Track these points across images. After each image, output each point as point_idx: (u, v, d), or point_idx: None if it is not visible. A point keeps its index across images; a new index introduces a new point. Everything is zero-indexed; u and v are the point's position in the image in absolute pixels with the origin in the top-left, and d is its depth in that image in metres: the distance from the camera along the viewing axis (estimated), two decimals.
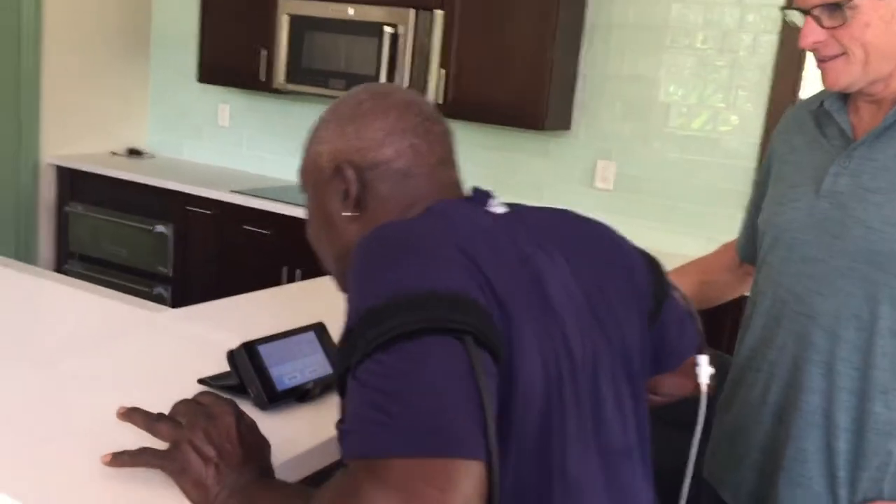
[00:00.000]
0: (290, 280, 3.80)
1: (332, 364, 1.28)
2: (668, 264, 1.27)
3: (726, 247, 1.74)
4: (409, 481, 0.74)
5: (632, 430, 1.03)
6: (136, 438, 1.01)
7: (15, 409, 1.18)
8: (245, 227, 3.94)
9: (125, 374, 1.34)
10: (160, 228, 4.20)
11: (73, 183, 4.48)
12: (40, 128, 4.45)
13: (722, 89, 3.50)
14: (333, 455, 1.17)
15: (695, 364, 1.24)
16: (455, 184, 1.09)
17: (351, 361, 0.83)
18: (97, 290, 1.82)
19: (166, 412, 1.01)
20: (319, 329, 1.29)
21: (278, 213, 3.83)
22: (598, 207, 3.71)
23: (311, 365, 1.24)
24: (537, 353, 0.89)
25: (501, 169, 3.91)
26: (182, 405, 1.01)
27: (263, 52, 4.08)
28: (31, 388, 1.25)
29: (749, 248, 1.58)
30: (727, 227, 3.54)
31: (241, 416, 0.99)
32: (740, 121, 3.48)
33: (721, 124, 3.52)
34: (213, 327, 1.59)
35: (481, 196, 1.06)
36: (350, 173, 1.03)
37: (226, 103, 4.69)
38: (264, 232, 3.89)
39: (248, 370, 1.16)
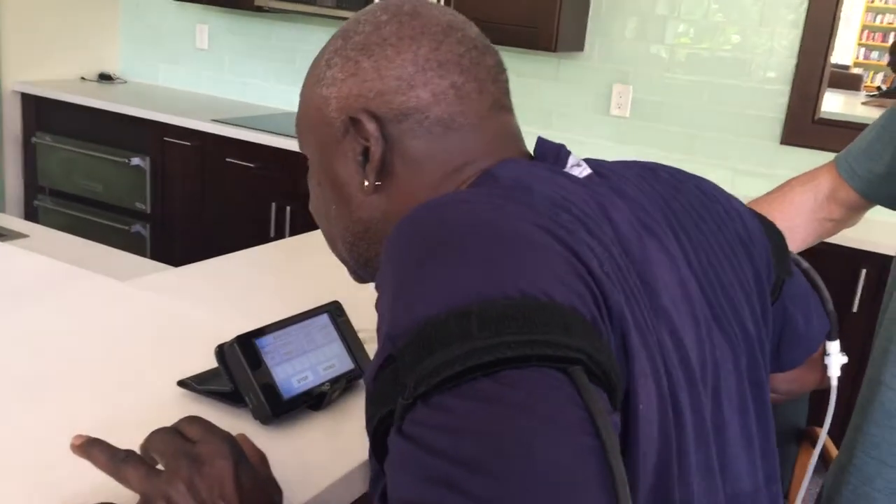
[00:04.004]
0: (280, 218, 3.52)
1: (354, 356, 0.99)
2: None
3: (795, 183, 1.39)
4: None
5: (759, 464, 0.77)
6: (95, 478, 0.73)
7: None
8: (228, 159, 3.62)
9: (72, 369, 1.04)
10: (136, 161, 3.88)
11: (40, 111, 4.13)
12: (1, 51, 4.07)
13: (753, 4, 3.17)
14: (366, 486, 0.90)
15: (823, 353, 0.97)
16: (515, 135, 0.81)
17: (392, 407, 0.56)
18: (43, 243, 1.53)
19: (135, 432, 0.73)
20: (334, 310, 1.00)
21: (264, 145, 3.51)
22: (612, 137, 3.42)
23: (325, 359, 0.96)
24: (651, 379, 0.63)
25: None
26: (160, 439, 0.72)
27: None
28: None
29: (882, 186, 1.25)
30: (756, 158, 3.28)
31: (240, 458, 0.71)
32: (773, 40, 3.16)
33: (751, 44, 3.20)
34: (196, 302, 1.29)
35: (554, 153, 0.77)
36: (371, 127, 0.75)
37: (204, 23, 4.31)
38: (249, 165, 3.58)
39: (243, 373, 0.88)
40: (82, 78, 4.40)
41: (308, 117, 0.82)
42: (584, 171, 0.76)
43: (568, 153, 0.77)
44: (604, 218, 0.69)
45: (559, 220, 0.63)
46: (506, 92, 0.81)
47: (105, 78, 4.43)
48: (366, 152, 0.76)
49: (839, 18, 3.04)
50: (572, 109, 3.49)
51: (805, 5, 3.08)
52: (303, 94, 0.83)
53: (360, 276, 0.86)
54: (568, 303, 0.57)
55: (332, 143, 0.79)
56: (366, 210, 0.79)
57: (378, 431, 0.59)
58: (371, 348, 1.03)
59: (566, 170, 0.75)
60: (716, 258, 0.78)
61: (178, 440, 0.72)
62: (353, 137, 0.77)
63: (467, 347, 0.53)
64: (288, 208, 3.49)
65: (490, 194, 0.67)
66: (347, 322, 1.01)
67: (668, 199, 0.79)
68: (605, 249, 0.64)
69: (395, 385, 0.56)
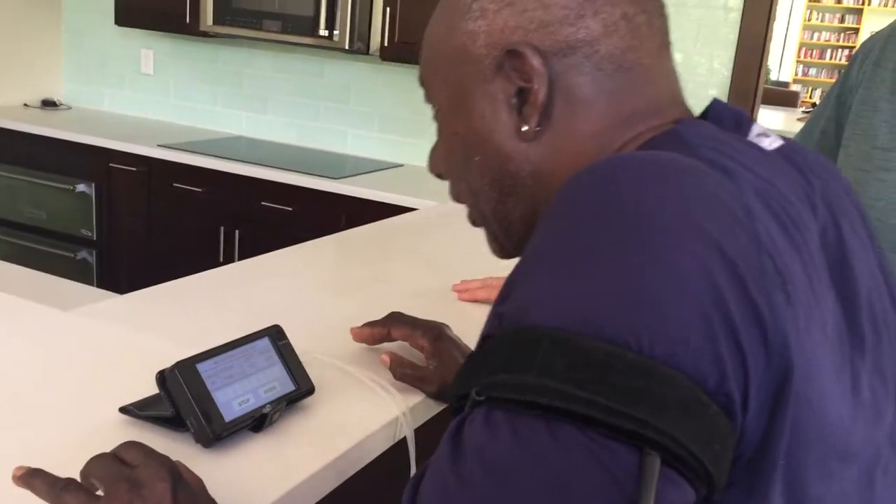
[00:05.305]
0: (228, 242, 3.51)
1: (295, 378, 1.01)
2: None
3: None
4: None
5: None
6: None
7: None
8: (175, 184, 3.61)
9: (15, 399, 1.05)
10: (82, 188, 3.84)
11: None
12: None
13: (695, 22, 3.26)
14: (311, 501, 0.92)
15: None
16: (680, 88, 0.74)
17: (468, 392, 0.54)
18: None
19: (77, 459, 0.74)
20: (275, 334, 1.02)
21: (211, 169, 3.50)
22: None
23: (266, 382, 0.98)
24: (840, 404, 0.57)
25: None
26: (99, 465, 0.73)
27: None
28: None
29: None
30: None
31: (178, 480, 0.72)
32: (713, 60, 3.25)
33: (694, 63, 3.28)
34: (139, 329, 1.30)
35: (734, 118, 0.69)
36: (536, 62, 0.66)
37: (149, 48, 4.29)
38: (197, 190, 3.56)
39: (185, 398, 0.89)
40: (25, 104, 4.35)
41: (443, 58, 0.73)
42: (773, 143, 0.67)
43: (750, 120, 0.69)
44: (807, 205, 0.62)
45: (755, 227, 0.55)
46: (668, 29, 0.73)
47: (49, 104, 4.39)
48: (520, 92, 0.68)
49: (770, 38, 3.14)
50: None
51: (736, 27, 3.17)
52: (435, 34, 0.75)
53: (503, 244, 0.76)
54: (689, 368, 0.50)
55: (477, 84, 0.70)
56: (516, 161, 0.69)
57: (452, 406, 0.57)
58: (312, 371, 1.05)
59: (750, 138, 0.67)
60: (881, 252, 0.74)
61: (117, 465, 0.73)
62: (505, 76, 0.68)
63: (543, 382, 0.50)
64: (237, 232, 3.49)
65: (686, 173, 0.57)
66: (288, 345, 1.03)
67: (846, 184, 0.73)
68: (802, 262, 0.57)
69: (476, 374, 0.54)
